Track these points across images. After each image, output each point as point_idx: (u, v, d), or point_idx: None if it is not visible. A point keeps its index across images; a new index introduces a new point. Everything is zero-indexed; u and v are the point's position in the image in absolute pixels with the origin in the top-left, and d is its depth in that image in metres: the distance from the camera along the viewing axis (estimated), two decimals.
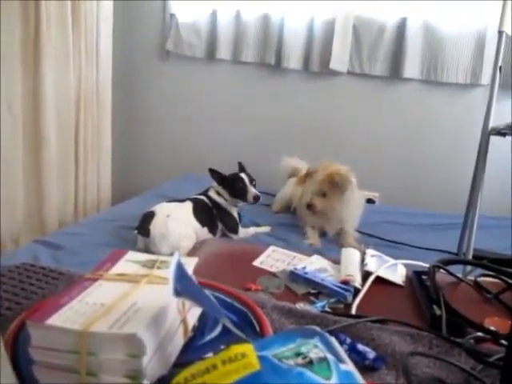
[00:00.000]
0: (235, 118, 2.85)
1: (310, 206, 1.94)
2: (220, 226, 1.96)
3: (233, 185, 1.98)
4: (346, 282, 0.92)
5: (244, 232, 2.00)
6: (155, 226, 1.72)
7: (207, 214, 1.92)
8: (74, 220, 2.50)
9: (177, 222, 1.75)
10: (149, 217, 1.76)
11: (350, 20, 2.51)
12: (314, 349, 0.47)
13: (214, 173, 1.98)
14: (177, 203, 1.88)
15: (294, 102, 2.74)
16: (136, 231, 1.76)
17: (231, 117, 2.85)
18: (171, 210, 1.79)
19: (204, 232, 1.85)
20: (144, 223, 1.75)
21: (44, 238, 1.90)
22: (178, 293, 0.43)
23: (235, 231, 1.97)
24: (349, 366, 0.47)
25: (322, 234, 2.02)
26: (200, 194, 1.99)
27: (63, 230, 2.12)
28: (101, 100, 2.61)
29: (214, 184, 2.02)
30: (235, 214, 2.01)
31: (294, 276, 0.96)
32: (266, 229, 2.07)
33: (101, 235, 1.88)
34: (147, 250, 1.69)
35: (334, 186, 1.90)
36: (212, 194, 1.99)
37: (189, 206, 1.87)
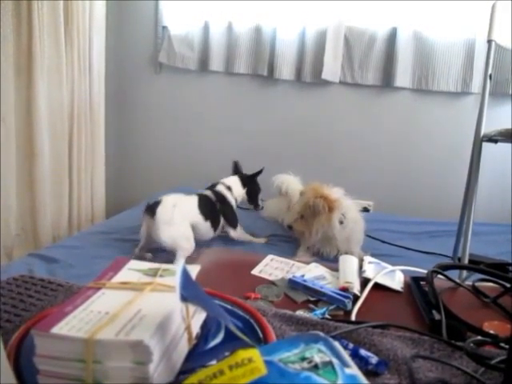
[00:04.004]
0: (228, 129, 2.85)
1: (289, 227, 2.03)
2: (222, 221, 2.00)
3: (256, 190, 2.16)
4: (344, 289, 0.92)
5: (242, 233, 2.05)
6: (161, 211, 1.76)
7: (211, 208, 1.97)
8: (68, 233, 2.48)
9: (181, 217, 1.80)
10: (156, 203, 1.81)
11: (341, 30, 2.53)
12: (319, 353, 0.47)
13: (241, 172, 2.18)
14: (183, 195, 1.93)
15: (287, 112, 2.76)
16: (143, 213, 1.80)
17: (224, 128, 2.86)
18: (177, 201, 1.84)
19: (206, 226, 1.91)
20: (151, 205, 1.79)
21: (38, 251, 1.88)
22: (184, 298, 0.43)
23: (234, 226, 2.03)
24: (353, 370, 0.47)
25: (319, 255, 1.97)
26: (207, 189, 2.06)
27: (58, 243, 2.11)
28: (94, 112, 2.61)
29: (226, 180, 2.11)
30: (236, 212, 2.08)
31: (293, 284, 0.96)
32: (261, 240, 2.08)
33: (95, 248, 1.88)
34: (148, 237, 1.79)
35: (311, 209, 1.88)
36: (220, 188, 2.06)
37: (194, 199, 1.92)
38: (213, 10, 2.68)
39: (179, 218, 1.79)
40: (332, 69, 2.57)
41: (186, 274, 0.45)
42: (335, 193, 1.91)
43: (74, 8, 2.36)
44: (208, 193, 2.02)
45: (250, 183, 2.14)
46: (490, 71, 1.77)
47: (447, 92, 2.50)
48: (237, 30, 2.67)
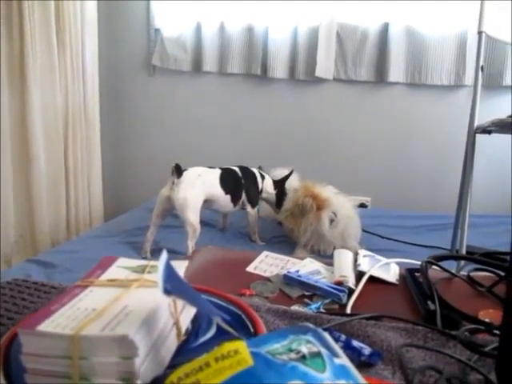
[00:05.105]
0: (223, 129, 2.86)
1: (279, 223, 2.09)
2: (243, 197, 2.07)
3: (282, 194, 2.17)
4: (339, 283, 0.92)
5: (256, 215, 2.11)
6: (187, 175, 1.85)
7: (234, 183, 2.04)
8: (67, 238, 2.48)
9: (200, 190, 1.86)
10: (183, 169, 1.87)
11: (333, 27, 2.54)
12: (307, 344, 0.47)
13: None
14: (207, 168, 1.99)
15: (282, 110, 2.76)
16: (171, 170, 1.84)
17: (220, 128, 2.86)
18: (202, 172, 1.92)
19: (226, 200, 1.99)
20: (180, 168, 1.84)
21: (36, 257, 1.88)
22: (167, 292, 0.43)
23: (254, 204, 2.10)
24: (343, 360, 0.47)
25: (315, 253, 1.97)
26: (238, 166, 2.12)
27: (56, 248, 2.11)
28: (89, 116, 2.62)
29: (264, 173, 2.19)
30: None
31: (288, 279, 0.96)
32: (260, 243, 2.10)
33: (94, 252, 1.87)
34: (165, 200, 1.85)
35: (299, 208, 1.90)
36: (255, 170, 2.16)
37: (217, 173, 1.98)
38: (204, 10, 2.68)
39: (198, 190, 1.86)
40: (325, 66, 2.58)
41: (169, 267, 0.45)
42: (327, 191, 1.91)
43: (66, 12, 2.36)
44: (235, 168, 2.09)
45: (280, 187, 2.21)
46: (481, 63, 1.77)
47: (441, 85, 2.50)
48: (229, 30, 2.68)
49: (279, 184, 2.21)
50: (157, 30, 2.81)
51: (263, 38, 2.63)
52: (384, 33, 2.49)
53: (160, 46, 2.79)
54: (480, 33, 1.76)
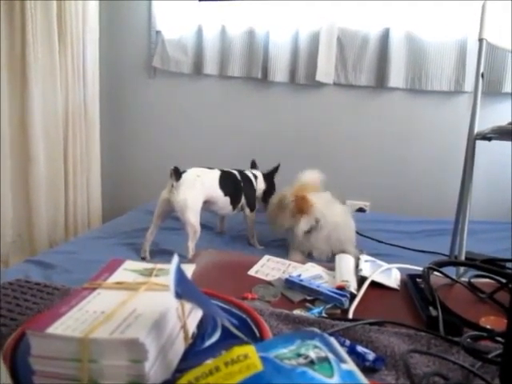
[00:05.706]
0: (223, 132, 2.86)
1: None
2: (243, 200, 2.08)
3: (271, 188, 2.20)
4: (341, 288, 0.92)
5: (254, 218, 2.11)
6: (186, 177, 1.85)
7: (234, 185, 2.04)
8: (65, 239, 2.48)
9: (199, 191, 1.86)
10: (182, 171, 1.86)
11: (334, 32, 2.54)
12: (315, 349, 0.47)
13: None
14: (206, 169, 1.98)
15: (282, 114, 2.76)
16: (170, 173, 1.83)
17: (219, 131, 2.86)
18: (201, 173, 1.92)
19: (225, 202, 1.98)
20: (178, 171, 1.83)
21: (35, 257, 1.88)
22: (178, 295, 0.43)
23: (252, 208, 2.12)
24: (350, 365, 0.47)
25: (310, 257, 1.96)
26: (236, 169, 2.12)
27: (54, 249, 2.10)
28: (89, 117, 2.61)
29: (253, 170, 2.21)
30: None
31: (290, 283, 0.96)
32: (258, 247, 2.09)
33: (92, 253, 1.86)
34: (165, 202, 1.85)
35: (281, 204, 1.92)
36: (248, 172, 2.16)
37: (216, 174, 1.98)
38: (206, 13, 2.69)
39: (198, 191, 1.86)
40: (326, 70, 2.58)
41: (180, 271, 0.45)
42: (318, 198, 1.90)
43: (67, 14, 2.36)
44: (235, 171, 2.09)
45: (269, 180, 2.23)
46: (481, 70, 1.78)
47: (440, 91, 2.51)
48: (230, 34, 2.68)
49: (268, 178, 2.23)
50: (158, 32, 2.81)
51: (264, 41, 2.63)
52: (384, 38, 2.50)
53: (161, 48, 2.80)
54: (481, 40, 1.77)
